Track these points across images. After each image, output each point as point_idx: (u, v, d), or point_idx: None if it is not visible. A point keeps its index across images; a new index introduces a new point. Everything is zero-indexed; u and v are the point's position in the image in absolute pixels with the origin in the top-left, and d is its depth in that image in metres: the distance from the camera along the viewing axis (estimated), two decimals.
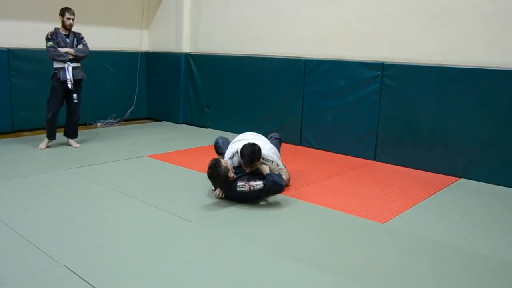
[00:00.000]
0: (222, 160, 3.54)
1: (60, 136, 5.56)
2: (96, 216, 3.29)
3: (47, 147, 5.40)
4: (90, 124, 7.01)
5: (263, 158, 3.75)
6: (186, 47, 7.34)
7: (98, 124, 7.06)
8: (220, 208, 3.53)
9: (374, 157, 5.21)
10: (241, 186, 3.50)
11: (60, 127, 5.53)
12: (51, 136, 5.40)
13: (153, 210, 3.43)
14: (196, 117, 7.25)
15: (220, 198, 3.67)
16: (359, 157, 5.30)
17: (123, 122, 7.39)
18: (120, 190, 3.87)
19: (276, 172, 3.79)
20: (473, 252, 2.88)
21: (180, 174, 4.49)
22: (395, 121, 5.01)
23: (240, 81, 6.54)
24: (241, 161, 3.65)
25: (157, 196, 3.76)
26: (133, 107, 7.59)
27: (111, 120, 7.25)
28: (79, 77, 5.27)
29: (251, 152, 3.56)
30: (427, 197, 3.95)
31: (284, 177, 3.90)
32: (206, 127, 7.08)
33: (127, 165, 4.74)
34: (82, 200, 3.61)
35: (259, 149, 3.62)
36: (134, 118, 7.67)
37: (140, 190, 3.90)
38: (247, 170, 3.63)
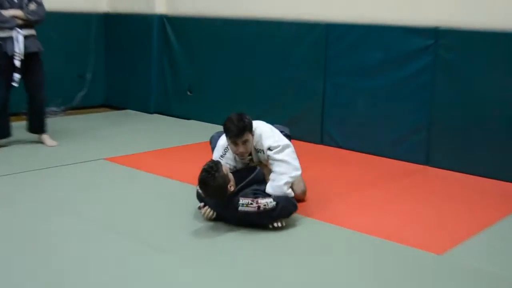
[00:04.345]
0: (224, 166, 3.57)
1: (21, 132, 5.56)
2: (34, 244, 3.26)
3: None
4: (24, 114, 6.91)
5: (270, 148, 3.73)
6: (160, 7, 7.34)
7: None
8: (207, 232, 3.51)
9: (426, 161, 5.19)
10: (246, 204, 3.49)
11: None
12: (1, 134, 5.47)
13: (112, 237, 3.41)
14: (175, 105, 7.25)
15: (210, 219, 3.65)
16: (404, 161, 5.29)
17: (71, 111, 7.39)
18: (66, 209, 3.85)
19: (283, 171, 3.69)
20: None
21: (151, 184, 4.49)
22: (456, 109, 4.97)
23: (236, 54, 6.53)
24: (227, 140, 3.72)
25: (118, 216, 3.76)
26: (85, 90, 7.56)
27: (54, 109, 7.19)
28: (34, 49, 5.31)
29: (239, 119, 3.63)
30: (502, 218, 3.92)
31: (299, 187, 3.85)
32: (188, 119, 7.06)
33: (76, 172, 4.73)
34: (12, 223, 3.58)
35: (249, 119, 3.69)
36: (86, 106, 7.66)
37: (94, 208, 3.89)
38: (239, 151, 3.69)
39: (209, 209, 3.64)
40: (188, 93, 7.08)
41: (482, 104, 4.84)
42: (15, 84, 5.28)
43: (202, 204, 3.69)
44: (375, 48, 5.41)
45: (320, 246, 3.38)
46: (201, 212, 3.69)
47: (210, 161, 3.56)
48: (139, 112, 7.46)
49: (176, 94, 7.21)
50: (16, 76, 5.24)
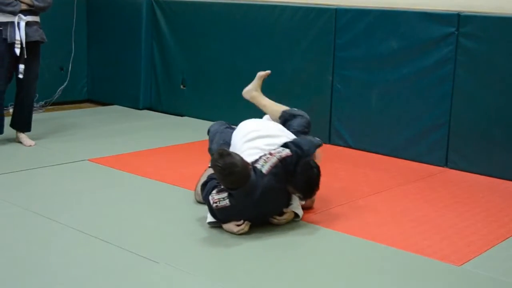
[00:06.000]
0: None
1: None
2: (13, 257, 3.27)
3: None
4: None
5: None
6: None
7: (11, 110, 7.00)
8: (205, 240, 3.54)
9: (445, 163, 5.20)
10: (265, 161, 3.59)
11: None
12: None
13: (99, 246, 3.43)
14: (166, 100, 7.24)
15: (244, 232, 3.60)
16: (421, 162, 5.29)
17: (51, 107, 7.37)
18: (48, 215, 3.84)
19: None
20: None
21: (140, 188, 4.50)
22: (479, 105, 4.98)
23: (235, 43, 6.52)
24: (298, 195, 3.76)
25: (105, 223, 3.77)
26: (66, 84, 7.56)
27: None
28: (36, 38, 5.33)
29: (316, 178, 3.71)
30: None
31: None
32: (182, 115, 7.06)
33: (58, 175, 4.74)
34: None
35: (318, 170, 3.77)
36: (68, 101, 7.64)
37: (78, 213, 3.90)
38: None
39: (244, 223, 3.59)
40: (182, 86, 7.07)
41: (508, 99, 4.84)
42: (20, 76, 5.31)
43: (241, 221, 3.59)
44: (390, 36, 5.38)
45: (332, 258, 3.40)
46: (234, 229, 3.58)
47: (217, 152, 3.53)
48: (126, 108, 7.40)
49: (168, 88, 7.19)
50: (21, 67, 5.28)
